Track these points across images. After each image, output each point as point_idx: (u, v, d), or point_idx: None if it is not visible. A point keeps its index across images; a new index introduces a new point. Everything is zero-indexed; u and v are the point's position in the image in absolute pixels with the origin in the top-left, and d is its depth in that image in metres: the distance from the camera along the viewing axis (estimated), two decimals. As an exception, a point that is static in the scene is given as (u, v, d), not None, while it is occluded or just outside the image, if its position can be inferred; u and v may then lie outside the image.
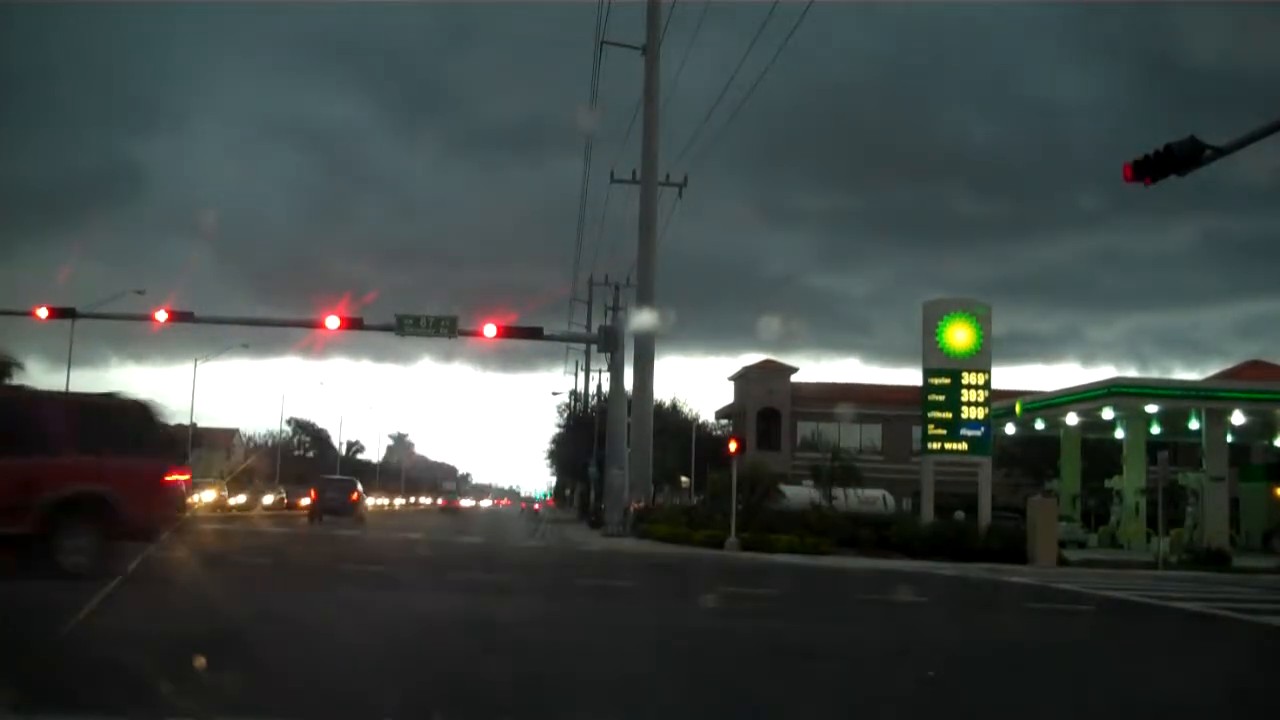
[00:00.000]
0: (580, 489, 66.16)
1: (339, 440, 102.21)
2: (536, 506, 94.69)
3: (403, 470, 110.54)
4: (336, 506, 40.30)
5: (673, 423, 52.43)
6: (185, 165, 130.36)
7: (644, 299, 36.82)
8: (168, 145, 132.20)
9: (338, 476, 52.36)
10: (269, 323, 41.24)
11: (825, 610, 15.17)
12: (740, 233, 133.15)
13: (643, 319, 36.57)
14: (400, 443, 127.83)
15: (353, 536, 28.59)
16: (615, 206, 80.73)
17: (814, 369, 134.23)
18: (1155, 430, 38.54)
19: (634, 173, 37.63)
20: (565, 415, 69.93)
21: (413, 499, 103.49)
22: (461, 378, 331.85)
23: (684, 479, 50.07)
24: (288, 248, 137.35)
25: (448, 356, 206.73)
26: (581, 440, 56.30)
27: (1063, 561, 27.23)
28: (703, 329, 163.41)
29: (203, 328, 40.30)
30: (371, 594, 13.57)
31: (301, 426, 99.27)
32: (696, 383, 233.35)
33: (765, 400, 62.38)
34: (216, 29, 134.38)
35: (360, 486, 45.87)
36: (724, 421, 65.83)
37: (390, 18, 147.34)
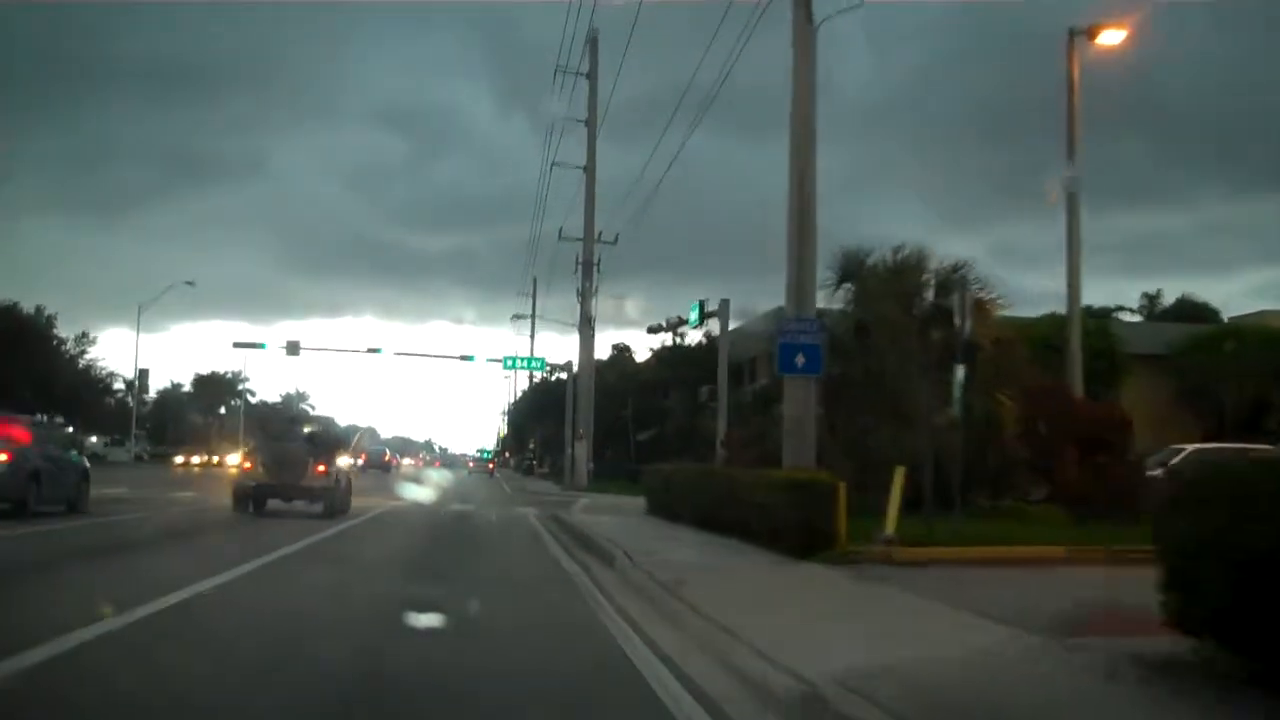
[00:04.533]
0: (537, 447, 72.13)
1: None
2: (471, 465, 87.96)
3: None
4: (378, 464, 59.03)
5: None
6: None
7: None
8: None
9: (379, 446, 71.86)
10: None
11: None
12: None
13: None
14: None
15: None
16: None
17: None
18: None
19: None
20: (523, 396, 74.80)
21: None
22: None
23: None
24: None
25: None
26: (549, 408, 57.85)
27: None
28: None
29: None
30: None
31: (204, 381, 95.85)
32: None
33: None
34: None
35: (389, 452, 70.85)
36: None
37: None
